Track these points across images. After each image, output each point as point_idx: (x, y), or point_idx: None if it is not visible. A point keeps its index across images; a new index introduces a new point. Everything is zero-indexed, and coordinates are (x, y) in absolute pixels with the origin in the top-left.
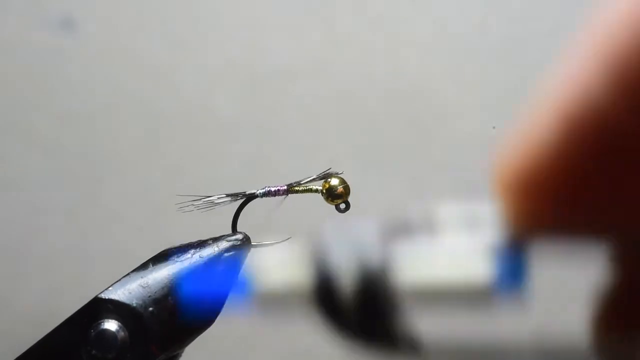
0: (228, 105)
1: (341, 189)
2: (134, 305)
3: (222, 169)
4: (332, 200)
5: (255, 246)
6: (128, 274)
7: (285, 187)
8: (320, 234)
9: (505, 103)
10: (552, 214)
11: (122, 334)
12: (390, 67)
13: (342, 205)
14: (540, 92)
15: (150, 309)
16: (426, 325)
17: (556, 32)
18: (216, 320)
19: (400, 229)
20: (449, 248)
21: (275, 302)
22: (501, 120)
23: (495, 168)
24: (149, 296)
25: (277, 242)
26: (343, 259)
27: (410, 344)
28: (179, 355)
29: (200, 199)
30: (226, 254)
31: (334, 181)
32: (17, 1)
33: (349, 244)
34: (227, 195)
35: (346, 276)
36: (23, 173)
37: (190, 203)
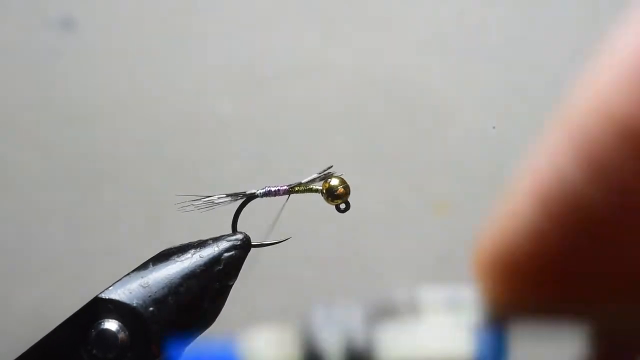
0: (228, 105)
1: (341, 189)
2: (134, 305)
3: (222, 169)
4: (332, 201)
5: (255, 246)
6: (128, 274)
7: (286, 187)
8: (308, 316)
9: (505, 103)
10: (530, 295)
11: (122, 333)
12: (390, 67)
13: (342, 206)
14: (516, 176)
15: (151, 308)
16: None
17: (556, 32)
18: (215, 321)
19: (384, 311)
20: (431, 329)
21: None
22: (501, 120)
23: (475, 250)
24: (149, 296)
25: (277, 242)
26: (330, 341)
27: None
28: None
29: (200, 199)
30: (226, 254)
31: (334, 181)
32: (17, 1)
33: (336, 326)
34: (227, 195)
35: (333, 357)
36: (23, 173)
37: (190, 203)
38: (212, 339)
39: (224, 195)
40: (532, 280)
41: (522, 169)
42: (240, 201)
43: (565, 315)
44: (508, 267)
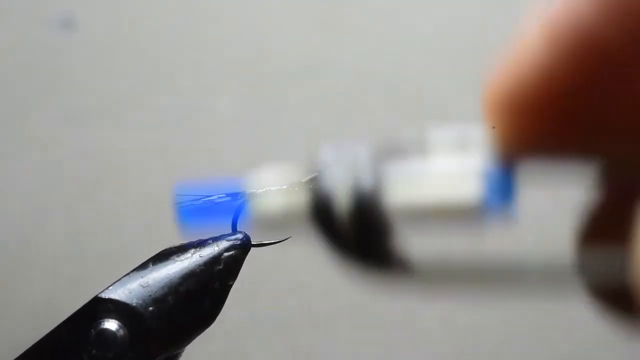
0: (228, 105)
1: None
2: (134, 304)
3: (222, 168)
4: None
5: (255, 246)
6: (128, 273)
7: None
8: (316, 155)
9: None
10: (540, 134)
11: (122, 333)
12: (390, 67)
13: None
14: (529, 13)
15: (151, 308)
16: (416, 245)
17: None
18: (216, 320)
19: (392, 151)
20: (439, 169)
21: (273, 223)
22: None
23: (484, 90)
24: (149, 296)
25: (277, 242)
26: (337, 179)
27: (402, 263)
28: (179, 355)
29: (200, 199)
30: (226, 254)
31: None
32: (17, 1)
33: (343, 166)
34: (227, 195)
35: (341, 197)
36: (23, 173)
37: (190, 203)
38: (219, 179)
39: (224, 195)
40: (542, 118)
41: (535, 6)
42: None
43: (573, 156)
44: (517, 105)
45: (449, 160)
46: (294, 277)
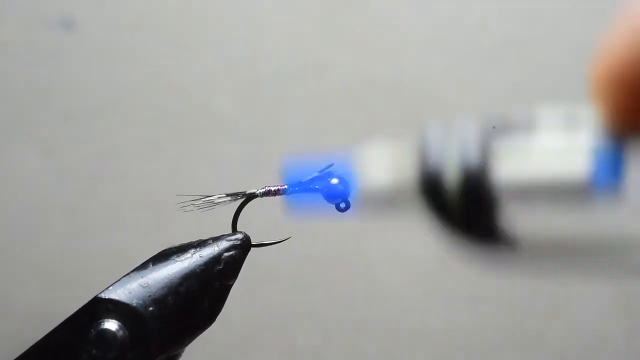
0: (228, 105)
1: (342, 188)
2: (134, 305)
3: (222, 169)
4: (333, 200)
5: (255, 246)
6: (128, 273)
7: (286, 187)
8: (425, 131)
9: (505, 103)
10: None
11: (122, 333)
12: (390, 67)
13: (342, 205)
14: None
15: (150, 308)
16: (524, 221)
17: (556, 32)
18: (216, 320)
19: (501, 127)
20: (548, 145)
21: (382, 199)
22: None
23: (594, 68)
24: (149, 296)
25: (277, 242)
26: (446, 155)
27: (509, 239)
28: (179, 355)
29: (200, 199)
30: (226, 254)
31: (334, 180)
32: (17, 1)
33: (452, 142)
34: (227, 195)
35: (450, 172)
36: (23, 173)
37: (190, 203)
38: (329, 152)
39: (224, 195)
40: None
41: None
42: (240, 201)
43: None
44: (628, 84)
45: (557, 137)
46: (294, 277)
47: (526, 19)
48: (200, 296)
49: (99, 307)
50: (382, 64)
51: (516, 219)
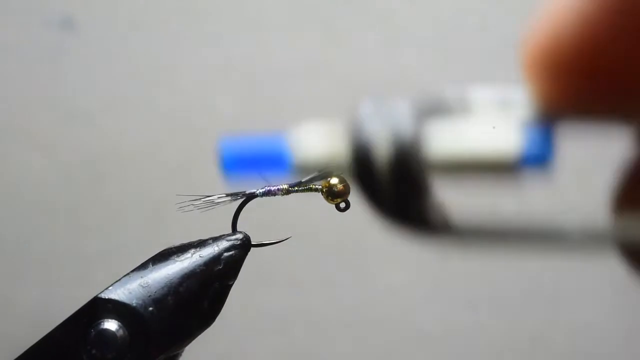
0: (228, 105)
1: (341, 188)
2: (134, 305)
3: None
4: (333, 200)
5: (255, 246)
6: (128, 273)
7: (286, 187)
8: (357, 110)
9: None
10: (579, 93)
11: (122, 333)
12: (390, 67)
13: (343, 204)
14: None
15: (150, 308)
16: (455, 200)
17: None
18: (215, 321)
19: (434, 107)
20: (480, 126)
21: (313, 172)
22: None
23: (523, 49)
24: (149, 296)
25: (277, 242)
26: (378, 133)
27: (440, 219)
28: (179, 355)
29: (200, 199)
30: (226, 254)
31: (334, 180)
32: (17, 1)
33: (384, 119)
34: (227, 195)
35: (381, 150)
36: (23, 173)
37: (190, 203)
38: (263, 133)
39: (224, 195)
40: (582, 77)
41: None
42: (240, 201)
43: (612, 115)
44: (557, 64)
45: (489, 116)
46: (294, 276)
47: (526, 19)
48: (200, 296)
49: (98, 307)
50: (382, 64)
51: (447, 198)
